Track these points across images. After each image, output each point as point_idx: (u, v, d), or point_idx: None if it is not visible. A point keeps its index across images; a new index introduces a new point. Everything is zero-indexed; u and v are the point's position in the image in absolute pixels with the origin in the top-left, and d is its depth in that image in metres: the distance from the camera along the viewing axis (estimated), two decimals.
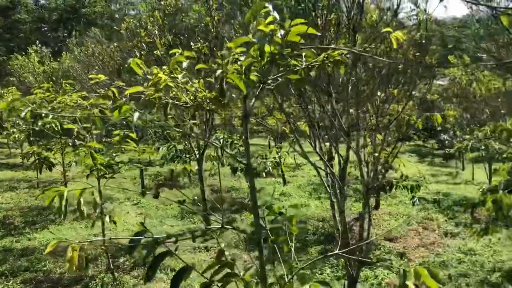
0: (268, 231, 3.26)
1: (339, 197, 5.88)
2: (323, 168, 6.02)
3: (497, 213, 4.68)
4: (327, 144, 6.37)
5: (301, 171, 17.48)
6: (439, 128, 22.43)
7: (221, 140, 13.33)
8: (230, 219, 3.01)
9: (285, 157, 12.86)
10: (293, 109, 9.67)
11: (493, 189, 4.80)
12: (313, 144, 5.81)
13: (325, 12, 5.30)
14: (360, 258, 5.30)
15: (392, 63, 6.42)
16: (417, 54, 5.69)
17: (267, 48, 2.47)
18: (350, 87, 6.06)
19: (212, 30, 8.95)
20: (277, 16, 2.22)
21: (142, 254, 2.49)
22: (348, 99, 5.93)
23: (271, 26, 2.31)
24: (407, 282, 2.35)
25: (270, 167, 12.27)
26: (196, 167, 11.19)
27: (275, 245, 3.29)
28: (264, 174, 12.69)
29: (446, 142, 21.31)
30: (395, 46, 3.28)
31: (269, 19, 2.28)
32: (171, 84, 2.92)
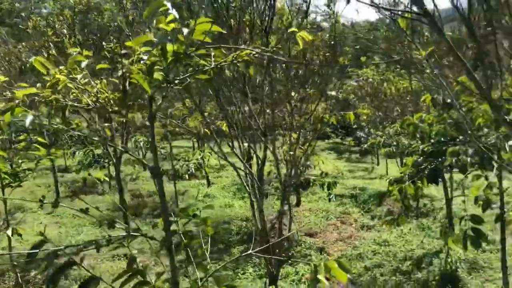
0: (181, 235, 3.20)
1: (258, 196, 5.93)
2: (243, 168, 6.05)
3: (403, 201, 5.01)
4: (246, 144, 6.41)
5: (226, 172, 17.50)
6: (355, 126, 23.55)
7: (141, 143, 12.98)
8: (137, 227, 2.90)
9: (208, 158, 12.79)
10: (211, 109, 9.66)
11: (399, 179, 5.11)
12: (230, 145, 5.82)
13: (237, 13, 5.32)
14: (274, 256, 5.38)
15: (308, 64, 6.60)
16: (327, 54, 5.90)
17: (170, 47, 2.40)
18: (266, 88, 6.15)
19: (127, 29, 8.66)
20: (176, 15, 2.16)
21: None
22: (264, 99, 6.00)
23: (172, 25, 2.25)
24: (319, 276, 2.43)
25: (193, 169, 12.15)
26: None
27: (188, 249, 3.23)
28: (187, 176, 12.55)
29: (362, 139, 22.38)
30: (300, 46, 3.36)
31: (170, 17, 2.22)
32: (71, 85, 2.76)
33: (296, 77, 6.73)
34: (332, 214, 11.36)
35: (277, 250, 5.95)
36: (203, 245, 3.04)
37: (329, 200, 7.90)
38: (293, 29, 3.42)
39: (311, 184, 9.34)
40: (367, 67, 15.63)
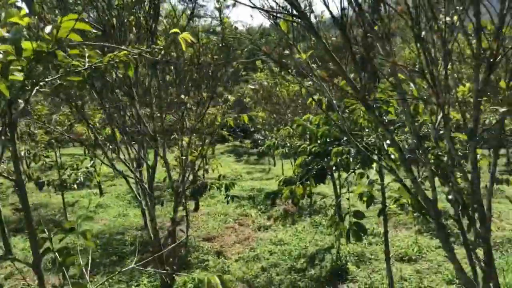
0: (56, 252, 2.93)
1: (150, 204, 5.70)
2: (134, 176, 5.77)
3: (293, 201, 5.15)
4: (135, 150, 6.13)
5: (120, 180, 16.74)
6: (252, 129, 24.05)
7: (22, 152, 11.91)
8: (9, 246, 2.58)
9: (100, 166, 12.11)
10: (93, 113, 9.20)
11: (289, 180, 5.23)
12: (116, 152, 5.51)
13: (120, 13, 5.05)
14: (166, 266, 5.20)
15: (197, 66, 6.50)
16: (216, 57, 5.86)
17: (27, 45, 2.15)
18: (156, 91, 5.94)
19: None
20: (27, 9, 1.93)
21: None
22: (154, 102, 5.79)
23: (27, 19, 2.02)
24: None
25: (82, 178, 11.41)
26: None
27: (65, 268, 2.95)
28: (75, 186, 11.75)
29: (259, 141, 22.95)
30: (184, 48, 3.24)
31: (23, 11, 1.98)
32: None
33: (191, 80, 6.61)
34: (231, 217, 11.38)
35: (170, 259, 5.76)
36: (90, 259, 2.80)
37: (227, 202, 7.86)
38: (174, 30, 3.31)
39: (208, 188, 9.24)
40: (261, 71, 15.98)
